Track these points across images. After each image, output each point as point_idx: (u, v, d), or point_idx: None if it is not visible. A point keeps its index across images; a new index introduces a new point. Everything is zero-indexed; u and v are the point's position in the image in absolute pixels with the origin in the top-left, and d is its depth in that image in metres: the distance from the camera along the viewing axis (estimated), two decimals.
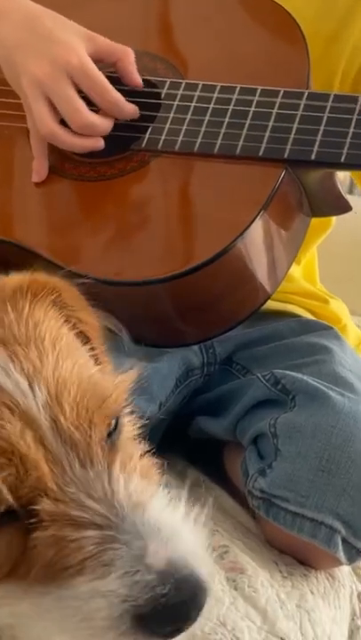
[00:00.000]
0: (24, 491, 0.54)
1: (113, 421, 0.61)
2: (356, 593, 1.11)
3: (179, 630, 0.53)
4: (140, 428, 1.06)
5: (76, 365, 0.61)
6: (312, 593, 0.98)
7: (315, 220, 1.36)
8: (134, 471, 0.59)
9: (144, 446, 0.66)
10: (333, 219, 1.46)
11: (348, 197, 1.58)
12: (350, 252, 2.32)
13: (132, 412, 0.68)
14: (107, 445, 0.59)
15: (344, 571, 1.09)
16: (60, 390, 0.57)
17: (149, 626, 0.51)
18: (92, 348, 0.71)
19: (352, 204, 1.78)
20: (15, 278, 0.70)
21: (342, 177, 1.68)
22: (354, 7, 1.26)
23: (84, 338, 0.70)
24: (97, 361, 0.69)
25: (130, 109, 1.13)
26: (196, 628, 0.53)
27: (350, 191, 2.18)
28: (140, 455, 0.65)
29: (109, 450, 0.59)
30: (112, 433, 0.61)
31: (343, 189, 1.35)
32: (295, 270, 1.41)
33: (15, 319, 0.63)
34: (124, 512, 0.54)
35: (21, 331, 0.62)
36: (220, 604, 0.84)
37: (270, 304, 1.29)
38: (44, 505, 0.54)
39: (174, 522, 0.56)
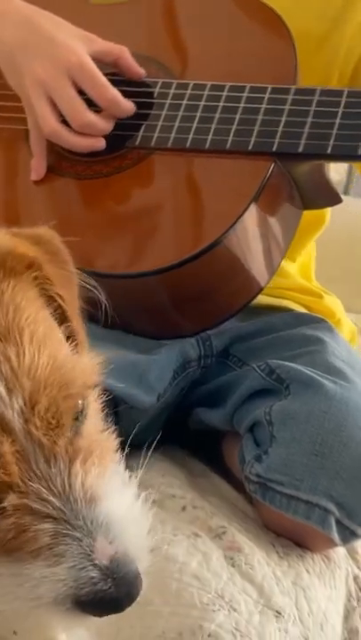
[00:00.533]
0: None
1: (80, 403, 0.64)
2: (353, 575, 1.13)
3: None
4: (139, 417, 1.11)
5: (51, 359, 0.63)
6: (308, 572, 1.00)
7: (309, 217, 1.40)
8: (93, 464, 0.62)
9: (105, 423, 0.68)
10: (328, 216, 1.48)
11: (344, 198, 1.61)
12: (346, 251, 2.35)
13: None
14: (71, 433, 0.62)
15: (340, 553, 1.12)
16: (35, 397, 0.60)
17: (87, 610, 0.59)
18: (69, 326, 0.72)
19: (347, 204, 1.83)
20: None
21: (338, 177, 1.71)
22: (345, 7, 1.29)
23: (62, 316, 0.71)
24: (71, 340, 0.70)
25: (127, 106, 1.17)
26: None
27: (345, 191, 2.21)
28: (102, 433, 0.68)
29: (73, 439, 0.62)
30: (78, 416, 0.63)
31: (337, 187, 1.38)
32: (291, 267, 1.44)
33: None
34: (78, 507, 0.59)
35: (1, 321, 0.63)
36: (217, 578, 0.86)
37: (266, 299, 1.33)
38: (10, 499, 0.59)
39: (122, 517, 0.61)
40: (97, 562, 0.58)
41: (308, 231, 1.44)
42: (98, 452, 0.63)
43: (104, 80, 1.14)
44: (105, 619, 0.60)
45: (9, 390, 0.59)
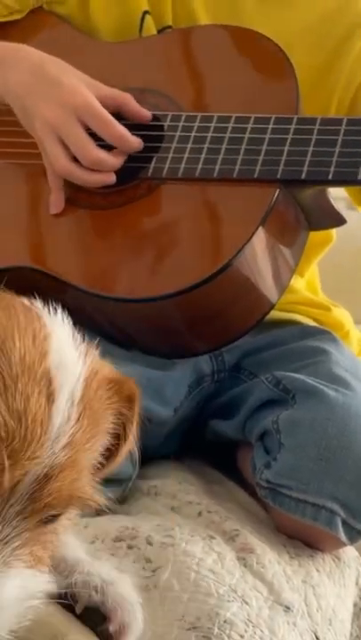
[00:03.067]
0: None
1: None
2: None
3: None
4: (157, 431, 1.19)
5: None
6: (318, 571, 1.07)
7: (316, 237, 1.47)
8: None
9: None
10: (334, 234, 1.56)
11: (351, 213, 1.69)
12: (352, 262, 2.41)
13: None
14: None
15: (350, 554, 1.19)
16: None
17: None
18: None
19: (354, 218, 1.89)
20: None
21: (344, 193, 1.77)
22: (345, 39, 1.37)
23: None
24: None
25: (135, 142, 1.24)
26: None
27: (351, 206, 2.27)
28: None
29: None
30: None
31: (342, 204, 1.46)
32: (299, 282, 1.52)
33: None
34: None
35: None
36: (231, 575, 0.93)
37: (276, 314, 1.40)
38: None
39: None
40: None
41: (316, 249, 1.52)
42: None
43: (110, 118, 1.22)
44: None
45: None
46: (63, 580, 0.73)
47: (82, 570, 0.75)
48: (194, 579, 0.91)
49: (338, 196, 1.43)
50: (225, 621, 0.86)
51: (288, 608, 0.94)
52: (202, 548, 0.97)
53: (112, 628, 0.73)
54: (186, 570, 0.92)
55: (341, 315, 1.52)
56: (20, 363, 0.65)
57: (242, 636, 0.84)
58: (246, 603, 0.90)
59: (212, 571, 0.93)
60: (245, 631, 0.86)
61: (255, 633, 0.86)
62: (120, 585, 0.76)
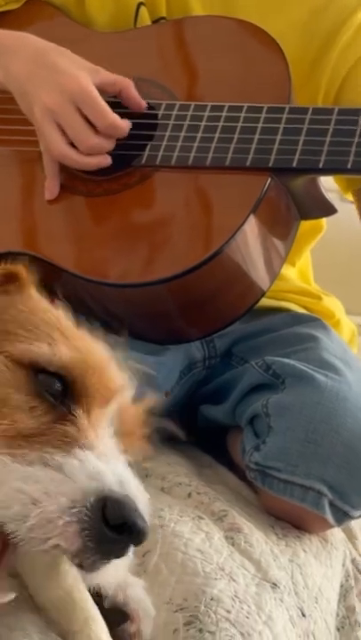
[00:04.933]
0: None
1: None
2: (351, 558, 1.22)
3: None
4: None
5: None
6: (305, 551, 1.09)
7: (307, 225, 1.49)
8: None
9: None
10: (324, 224, 1.58)
11: (344, 204, 1.71)
12: (345, 254, 2.43)
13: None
14: None
15: (337, 536, 1.21)
16: None
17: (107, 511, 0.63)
18: None
19: (346, 209, 1.90)
20: None
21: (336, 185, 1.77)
22: (333, 34, 1.38)
23: None
24: None
25: (124, 127, 1.26)
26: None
27: (343, 198, 2.28)
28: None
29: None
30: None
31: (334, 196, 1.48)
32: (290, 271, 1.54)
33: None
34: None
35: None
36: (218, 554, 0.95)
37: (267, 302, 1.42)
38: None
39: None
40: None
41: (307, 238, 1.54)
42: None
43: (104, 105, 1.24)
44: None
45: None
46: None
47: None
48: (181, 559, 0.93)
49: (330, 187, 1.45)
50: (212, 599, 0.88)
51: (275, 585, 0.96)
52: (190, 528, 0.99)
53: (133, 628, 0.76)
54: (173, 551, 0.94)
55: (332, 304, 1.54)
56: None
57: (229, 612, 0.86)
58: (234, 580, 0.92)
59: (199, 550, 0.95)
60: (232, 607, 0.87)
61: (242, 608, 0.88)
62: (136, 587, 0.79)
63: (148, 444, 0.80)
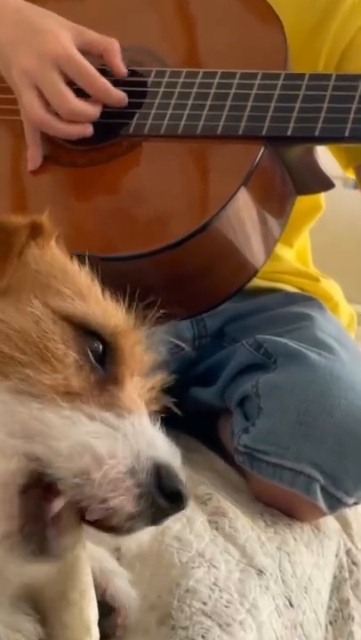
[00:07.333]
0: None
1: None
2: (345, 549, 1.15)
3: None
4: None
5: None
6: (295, 539, 1.03)
7: (305, 204, 1.43)
8: None
9: None
10: (323, 203, 1.51)
11: (346, 191, 1.63)
12: (346, 242, 2.37)
13: None
14: None
15: (331, 526, 1.14)
16: None
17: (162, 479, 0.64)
18: None
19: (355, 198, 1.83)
20: None
21: (340, 172, 1.71)
22: (333, 2, 1.33)
23: None
24: None
25: (118, 95, 1.20)
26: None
27: (346, 185, 2.23)
28: None
29: None
30: None
31: (338, 183, 1.41)
32: (288, 252, 1.47)
33: None
34: None
35: None
36: (199, 539, 0.89)
37: (261, 282, 1.36)
38: None
39: None
40: None
41: (305, 218, 1.47)
42: None
43: (91, 69, 1.18)
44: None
45: None
46: None
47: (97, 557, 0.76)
48: (157, 551, 0.87)
49: (335, 175, 1.39)
50: (187, 590, 0.81)
51: (261, 572, 0.89)
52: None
53: (119, 621, 0.73)
54: (149, 543, 0.87)
55: (331, 286, 1.48)
56: None
57: (205, 603, 0.80)
58: (214, 566, 0.86)
59: (177, 538, 0.89)
60: (210, 597, 0.81)
61: (221, 597, 0.82)
62: (122, 578, 0.76)
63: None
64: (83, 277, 0.77)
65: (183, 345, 1.19)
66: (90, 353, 0.69)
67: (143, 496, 0.63)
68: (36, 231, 0.77)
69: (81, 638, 0.67)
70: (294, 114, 1.16)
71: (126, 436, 0.64)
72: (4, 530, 0.61)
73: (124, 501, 0.62)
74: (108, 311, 0.74)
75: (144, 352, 0.76)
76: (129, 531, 0.64)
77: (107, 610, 0.72)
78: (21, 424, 0.63)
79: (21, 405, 0.64)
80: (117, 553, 0.84)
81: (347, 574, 1.12)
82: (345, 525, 1.19)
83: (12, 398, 0.64)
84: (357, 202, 2.21)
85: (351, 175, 1.45)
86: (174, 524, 0.90)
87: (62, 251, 0.79)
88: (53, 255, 0.77)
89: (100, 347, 0.70)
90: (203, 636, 0.74)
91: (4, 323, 0.67)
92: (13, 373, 0.65)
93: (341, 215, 1.94)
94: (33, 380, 0.65)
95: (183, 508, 0.66)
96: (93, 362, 0.69)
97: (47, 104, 1.18)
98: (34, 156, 1.23)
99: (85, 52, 1.20)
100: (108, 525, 0.63)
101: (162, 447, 0.66)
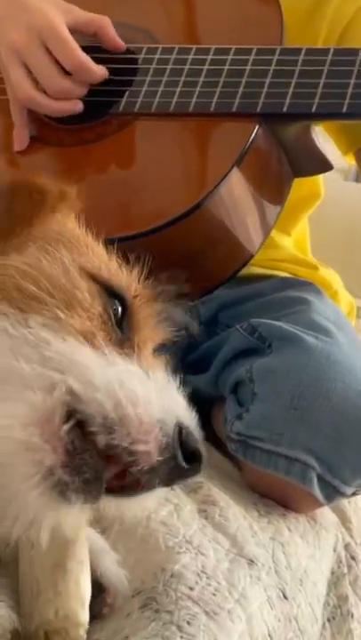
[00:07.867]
0: None
1: None
2: (344, 543, 1.10)
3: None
4: None
5: None
6: (289, 530, 0.97)
7: (303, 191, 1.38)
8: None
9: None
10: (322, 191, 1.47)
11: (346, 184, 1.58)
12: (346, 235, 2.33)
13: None
14: None
15: (329, 518, 1.09)
16: None
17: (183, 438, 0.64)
18: None
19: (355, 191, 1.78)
20: None
21: (347, 165, 1.68)
22: None
23: None
24: None
25: (99, 71, 1.16)
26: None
27: (356, 179, 2.19)
28: None
29: None
30: None
31: (339, 176, 1.36)
32: (286, 240, 1.43)
33: None
34: None
35: None
36: (187, 526, 0.84)
37: (257, 270, 1.31)
38: None
39: None
40: None
41: (303, 205, 1.43)
42: None
43: (74, 45, 1.14)
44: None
45: None
46: None
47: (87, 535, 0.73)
48: (141, 535, 0.82)
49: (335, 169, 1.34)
50: (172, 575, 0.76)
51: (252, 562, 0.84)
52: (157, 500, 0.87)
53: (110, 600, 0.71)
54: (133, 527, 0.82)
55: (329, 275, 1.43)
56: None
57: (191, 588, 0.75)
58: (202, 554, 0.81)
59: (163, 523, 0.84)
60: (196, 583, 0.76)
61: (209, 585, 0.77)
62: (112, 557, 0.74)
63: None
64: (101, 249, 0.79)
65: (193, 327, 1.15)
66: (112, 312, 0.70)
67: (167, 448, 0.62)
68: (63, 199, 0.81)
69: (75, 608, 0.65)
70: (290, 89, 1.12)
71: (157, 387, 0.64)
72: (49, 465, 0.58)
73: (150, 448, 0.61)
74: (128, 280, 0.76)
75: (158, 325, 0.77)
76: (144, 487, 0.63)
77: (96, 588, 0.70)
78: (57, 357, 0.62)
79: (55, 339, 0.63)
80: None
81: (345, 569, 1.06)
82: (343, 519, 1.14)
83: (45, 332, 0.63)
84: (358, 196, 2.17)
85: (351, 160, 1.41)
86: (161, 509, 0.86)
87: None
88: (75, 225, 0.80)
89: (120, 310, 0.71)
90: (188, 622, 0.69)
91: (34, 267, 0.68)
92: (44, 311, 0.65)
93: (342, 209, 1.89)
94: (63, 321, 0.65)
95: (199, 471, 0.66)
96: (113, 322, 0.70)
97: (36, 82, 1.14)
98: (21, 135, 1.20)
99: (77, 31, 1.16)
100: (121, 484, 0.62)
101: (184, 408, 0.66)
